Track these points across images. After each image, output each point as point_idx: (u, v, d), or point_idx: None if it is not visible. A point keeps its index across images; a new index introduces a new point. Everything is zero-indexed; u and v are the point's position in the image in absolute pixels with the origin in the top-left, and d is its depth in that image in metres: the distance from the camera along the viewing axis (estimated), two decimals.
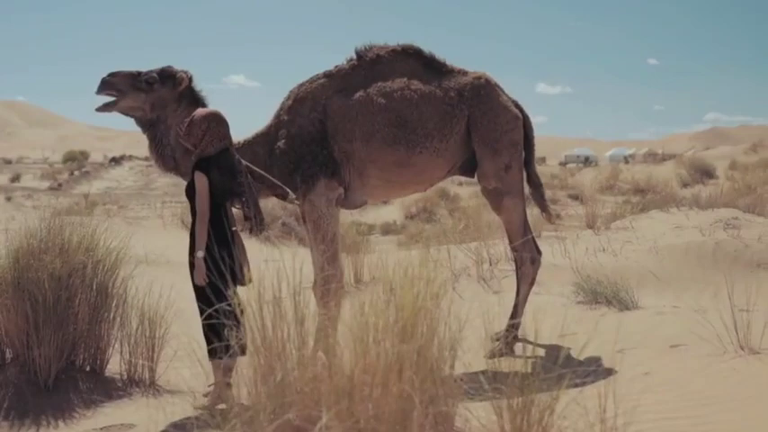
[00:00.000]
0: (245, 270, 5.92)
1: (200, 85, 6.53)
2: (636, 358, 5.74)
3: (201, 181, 5.71)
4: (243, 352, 5.65)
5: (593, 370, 5.10)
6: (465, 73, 6.67)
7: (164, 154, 6.40)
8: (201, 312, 5.77)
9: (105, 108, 6.35)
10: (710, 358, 5.61)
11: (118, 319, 6.43)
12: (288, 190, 6.17)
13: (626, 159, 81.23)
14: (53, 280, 6.08)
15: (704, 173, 35.08)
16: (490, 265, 9.60)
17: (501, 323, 6.58)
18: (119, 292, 6.46)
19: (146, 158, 70.22)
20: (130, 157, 68.60)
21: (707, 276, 9.14)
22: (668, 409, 4.53)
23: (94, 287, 6.34)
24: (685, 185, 32.16)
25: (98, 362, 6.38)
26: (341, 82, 6.50)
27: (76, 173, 58.10)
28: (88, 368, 6.36)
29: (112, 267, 6.46)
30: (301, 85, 6.57)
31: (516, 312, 6.57)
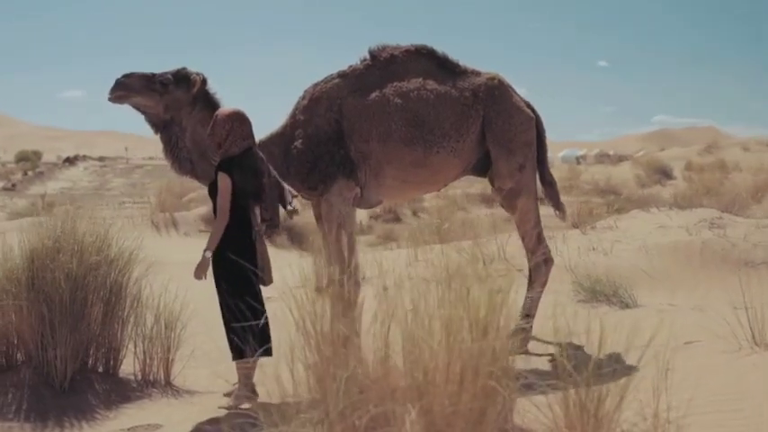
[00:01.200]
0: (268, 271, 5.93)
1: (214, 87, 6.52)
2: (654, 355, 5.84)
3: (225, 181, 5.70)
4: (266, 352, 5.69)
5: (619, 367, 5.18)
6: (478, 73, 6.74)
7: (180, 157, 6.38)
8: (223, 312, 5.77)
9: (118, 99, 6.30)
10: (728, 354, 5.72)
11: (132, 318, 6.39)
12: (290, 201, 6.12)
13: (578, 160, 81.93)
14: (70, 280, 6.04)
15: (662, 173, 35.67)
16: (484, 264, 9.65)
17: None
18: (132, 291, 6.42)
19: (99, 159, 69.76)
20: (84, 158, 67.76)
21: (697, 275, 9.31)
22: (705, 404, 4.61)
23: (108, 287, 6.31)
24: (644, 186, 32.64)
25: (111, 362, 6.34)
26: (355, 82, 6.53)
27: (30, 173, 57.22)
28: (101, 369, 6.32)
29: (125, 267, 6.43)
30: (316, 84, 6.59)
31: (530, 312, 6.63)
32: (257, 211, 5.96)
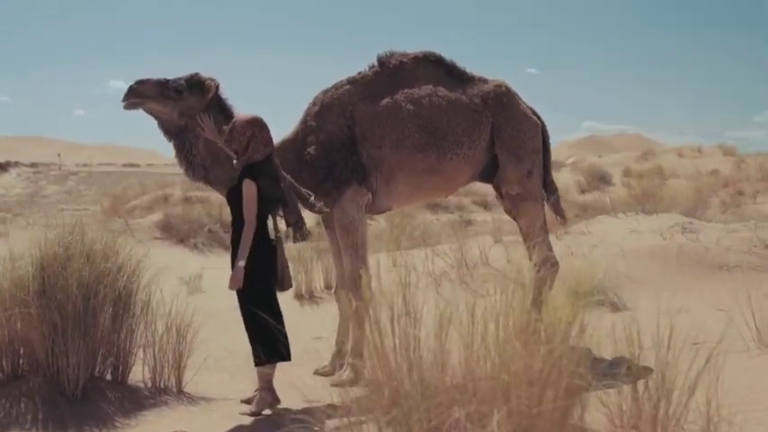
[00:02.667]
0: (287, 276, 5.96)
1: (226, 92, 6.53)
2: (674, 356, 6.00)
3: (251, 189, 5.69)
4: (288, 357, 5.73)
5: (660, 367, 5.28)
6: (485, 81, 6.84)
7: (194, 163, 6.35)
8: (246, 319, 5.77)
9: (132, 105, 6.27)
10: (738, 355, 5.89)
11: (141, 325, 6.35)
12: (312, 198, 6.16)
13: None
14: (82, 287, 5.99)
15: (601, 180, 36.29)
16: (467, 269, 9.80)
17: None
18: (142, 297, 6.38)
19: (32, 165, 68.17)
20: (16, 164, 66.26)
21: (674, 278, 9.53)
22: (745, 402, 4.74)
23: (118, 294, 6.26)
24: (584, 192, 33.18)
25: (120, 370, 6.29)
26: (365, 89, 6.58)
27: None
28: (109, 377, 6.26)
29: (134, 273, 6.38)
30: (326, 91, 6.63)
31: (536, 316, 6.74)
32: (276, 217, 5.98)
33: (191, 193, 30.57)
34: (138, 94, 6.24)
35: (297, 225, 6.06)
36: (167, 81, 6.28)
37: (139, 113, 6.39)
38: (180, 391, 6.30)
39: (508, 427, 3.31)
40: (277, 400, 5.77)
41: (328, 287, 10.38)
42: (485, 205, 28.56)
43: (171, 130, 6.38)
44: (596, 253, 10.15)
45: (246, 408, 5.80)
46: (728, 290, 8.45)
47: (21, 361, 6.13)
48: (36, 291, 5.97)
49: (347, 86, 6.60)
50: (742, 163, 35.88)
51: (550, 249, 7.10)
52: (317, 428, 5.17)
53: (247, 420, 5.62)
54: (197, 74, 6.37)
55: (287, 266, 5.97)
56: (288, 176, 6.05)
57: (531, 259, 7.14)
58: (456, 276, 9.69)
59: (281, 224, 6.05)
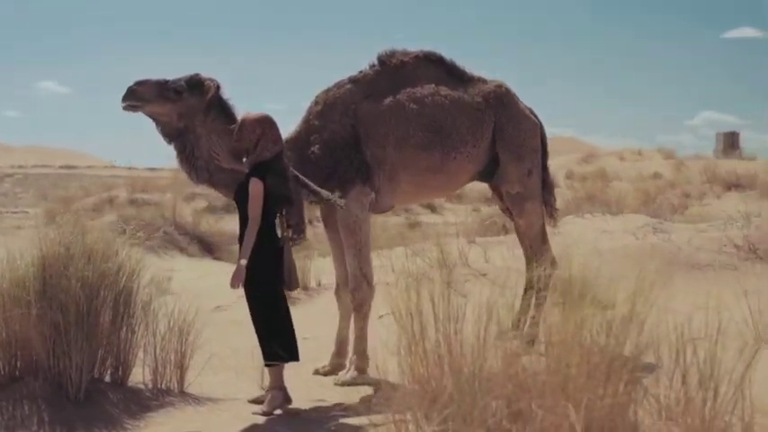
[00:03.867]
0: (294, 275, 5.94)
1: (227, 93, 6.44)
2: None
3: (257, 187, 5.66)
4: (297, 357, 5.73)
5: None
6: (485, 81, 6.89)
7: (196, 166, 6.24)
8: (255, 318, 5.74)
9: (131, 108, 6.16)
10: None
11: (142, 326, 6.26)
12: (327, 194, 6.16)
13: None
14: (86, 287, 5.88)
15: None
16: (448, 269, 9.83)
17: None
18: (143, 297, 6.30)
19: None
20: None
21: (653, 277, 9.68)
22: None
23: (118, 294, 6.16)
24: None
25: (119, 371, 6.19)
26: (367, 88, 6.57)
27: None
28: (108, 378, 6.15)
29: (133, 273, 6.29)
30: (328, 90, 6.61)
31: (537, 313, 6.82)
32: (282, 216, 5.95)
33: (136, 195, 30.20)
34: (138, 96, 6.12)
35: (297, 227, 6.03)
36: (167, 82, 6.17)
37: (139, 116, 6.29)
38: (182, 392, 6.22)
39: (580, 422, 3.34)
40: (288, 400, 5.75)
41: (304, 287, 10.32)
42: (431, 208, 28.76)
43: (171, 133, 6.25)
44: (572, 253, 10.25)
45: (258, 408, 5.76)
46: (703, 288, 8.61)
47: (18, 363, 6.00)
48: (37, 291, 5.85)
49: (349, 85, 6.59)
50: (681, 166, 36.53)
51: (550, 247, 7.18)
52: (356, 422, 5.19)
53: (261, 420, 5.59)
54: (197, 74, 6.27)
55: (294, 266, 5.94)
56: (301, 176, 6.03)
57: (530, 258, 7.24)
58: (438, 277, 9.70)
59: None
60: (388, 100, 6.50)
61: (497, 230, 13.49)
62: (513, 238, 11.50)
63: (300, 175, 6.06)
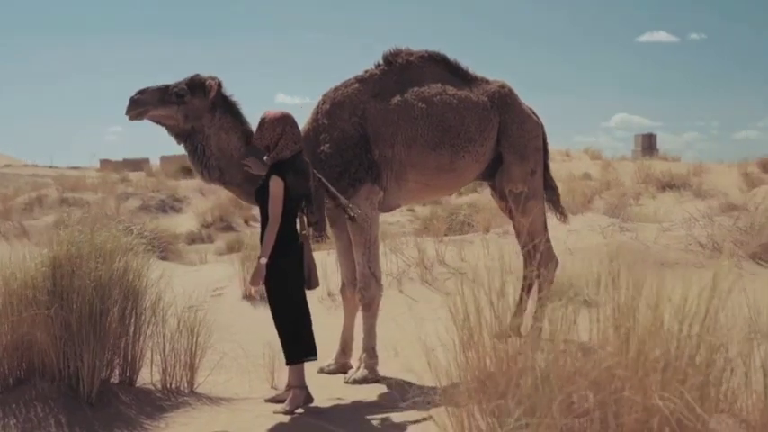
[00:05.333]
0: (314, 274, 5.93)
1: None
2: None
3: (278, 185, 5.65)
4: (316, 356, 5.74)
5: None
6: (487, 81, 6.98)
7: (208, 165, 6.24)
8: (276, 317, 5.73)
9: (137, 116, 6.17)
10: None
11: (151, 326, 6.20)
12: (346, 201, 6.18)
13: None
14: (100, 287, 5.81)
15: (478, 183, 37.03)
16: (425, 268, 9.91)
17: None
18: (151, 297, 6.24)
19: None
20: None
21: (627, 275, 9.89)
22: None
23: (126, 294, 6.09)
24: (461, 194, 33.87)
25: (127, 372, 6.12)
26: (374, 87, 6.60)
27: None
28: (115, 380, 6.07)
29: (141, 272, 6.22)
30: (336, 89, 6.62)
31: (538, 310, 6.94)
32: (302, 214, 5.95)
33: (67, 195, 29.63)
34: (141, 104, 6.13)
35: (318, 225, 6.04)
36: (168, 87, 6.16)
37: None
38: (192, 392, 6.18)
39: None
40: (310, 398, 5.75)
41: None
42: None
43: (180, 135, 6.27)
44: None
45: (279, 407, 5.74)
46: (676, 285, 8.84)
47: (24, 364, 5.88)
48: (49, 291, 5.76)
49: (356, 85, 6.62)
50: (609, 166, 37.23)
51: (551, 245, 7.31)
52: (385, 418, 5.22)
53: (286, 419, 5.56)
54: (197, 75, 6.26)
55: (314, 264, 5.94)
56: (320, 175, 6.03)
57: (533, 257, 7.34)
58: (417, 275, 9.79)
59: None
60: (396, 99, 6.55)
61: (461, 229, 13.62)
62: (481, 237, 11.68)
63: (322, 178, 6.08)
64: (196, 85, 6.22)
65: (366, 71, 6.73)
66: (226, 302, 10.13)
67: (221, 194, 34.23)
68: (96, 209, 21.71)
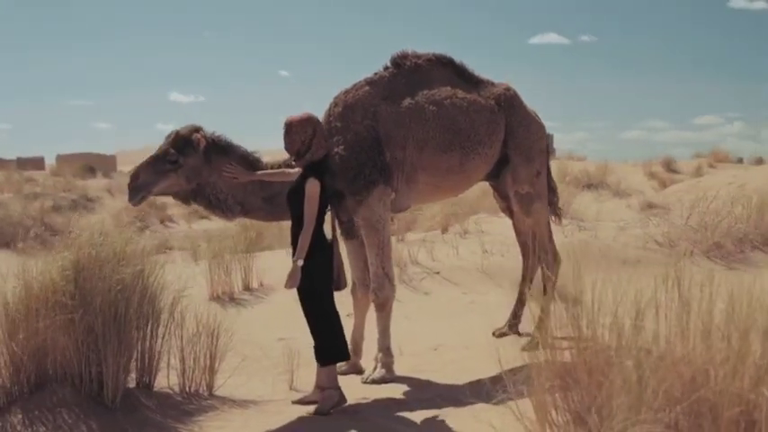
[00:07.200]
0: (342, 275, 5.96)
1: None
2: None
3: (316, 187, 5.65)
4: (347, 356, 5.78)
5: None
6: (493, 83, 7.10)
7: (227, 206, 6.41)
8: (312, 318, 5.73)
9: (143, 200, 6.29)
10: None
11: (171, 328, 6.12)
12: None
13: None
14: (125, 290, 5.71)
15: None
16: (400, 268, 9.98)
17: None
18: (168, 300, 6.16)
19: None
20: None
21: (595, 272, 10.17)
22: None
23: (143, 296, 6.00)
24: None
25: (145, 376, 6.04)
26: (384, 89, 6.64)
27: None
28: (133, 384, 5.97)
29: (158, 274, 6.14)
30: (347, 92, 6.63)
31: (545, 307, 7.09)
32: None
33: None
34: (142, 188, 6.18)
35: (348, 223, 6.06)
36: (156, 157, 6.19)
37: None
38: (212, 395, 6.14)
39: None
40: (344, 399, 5.76)
41: (246, 288, 10.23)
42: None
43: (188, 197, 6.41)
44: (513, 252, 10.60)
45: (311, 408, 5.74)
46: (642, 282, 9.14)
47: (41, 369, 5.72)
48: (72, 294, 5.63)
49: (367, 87, 6.64)
50: None
51: (554, 245, 7.48)
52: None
53: (323, 420, 5.56)
54: (176, 133, 6.27)
55: (342, 265, 5.96)
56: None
57: (528, 255, 7.51)
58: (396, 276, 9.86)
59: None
60: (407, 102, 6.60)
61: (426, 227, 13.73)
62: (442, 236, 11.82)
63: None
64: (183, 145, 6.23)
65: (375, 73, 6.77)
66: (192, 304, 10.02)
67: None
68: (2, 210, 21.16)
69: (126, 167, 53.04)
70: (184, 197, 6.40)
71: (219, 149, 6.33)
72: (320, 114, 6.43)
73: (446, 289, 9.68)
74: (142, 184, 6.14)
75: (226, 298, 10.07)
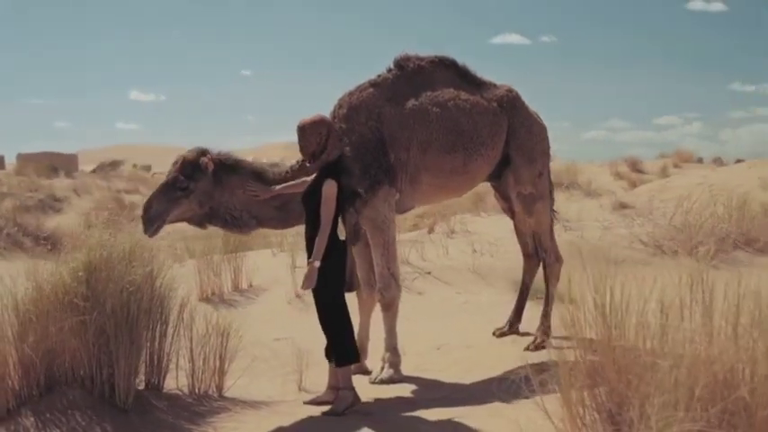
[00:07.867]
0: (354, 276, 5.97)
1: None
2: None
3: (333, 188, 5.65)
4: (358, 357, 5.79)
5: None
6: (495, 85, 7.15)
7: (243, 222, 6.45)
8: (327, 319, 5.73)
9: (159, 230, 6.25)
10: None
11: (180, 330, 6.10)
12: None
13: None
14: (136, 292, 5.69)
15: None
16: None
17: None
18: (177, 302, 6.14)
19: None
20: None
21: (581, 272, 10.26)
22: None
23: (153, 297, 5.97)
24: None
25: (155, 378, 6.01)
26: (388, 91, 6.67)
27: None
28: (142, 385, 5.94)
29: (166, 276, 6.12)
30: (351, 93, 6.66)
31: (548, 306, 7.17)
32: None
33: None
34: (156, 218, 6.18)
35: (357, 225, 6.07)
36: (166, 185, 6.20)
37: None
38: (221, 396, 6.13)
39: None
40: (358, 399, 5.76)
41: (236, 288, 10.21)
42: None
43: (203, 220, 6.43)
44: (501, 251, 10.68)
45: (325, 408, 5.75)
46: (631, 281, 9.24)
47: (50, 372, 5.68)
48: (84, 296, 5.59)
49: (371, 89, 6.67)
50: None
51: (556, 244, 7.55)
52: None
53: (339, 420, 5.56)
54: (183, 158, 6.28)
55: (355, 266, 5.98)
56: None
57: (530, 255, 7.57)
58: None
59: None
60: (411, 104, 6.64)
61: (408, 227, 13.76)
62: (429, 236, 11.85)
63: None
64: (191, 170, 6.23)
65: (379, 75, 6.80)
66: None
67: (97, 195, 33.39)
68: None
69: (87, 167, 52.51)
70: (199, 221, 6.42)
71: (228, 168, 6.34)
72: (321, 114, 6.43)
73: (439, 289, 9.73)
74: (155, 214, 6.13)
75: (216, 299, 10.03)
